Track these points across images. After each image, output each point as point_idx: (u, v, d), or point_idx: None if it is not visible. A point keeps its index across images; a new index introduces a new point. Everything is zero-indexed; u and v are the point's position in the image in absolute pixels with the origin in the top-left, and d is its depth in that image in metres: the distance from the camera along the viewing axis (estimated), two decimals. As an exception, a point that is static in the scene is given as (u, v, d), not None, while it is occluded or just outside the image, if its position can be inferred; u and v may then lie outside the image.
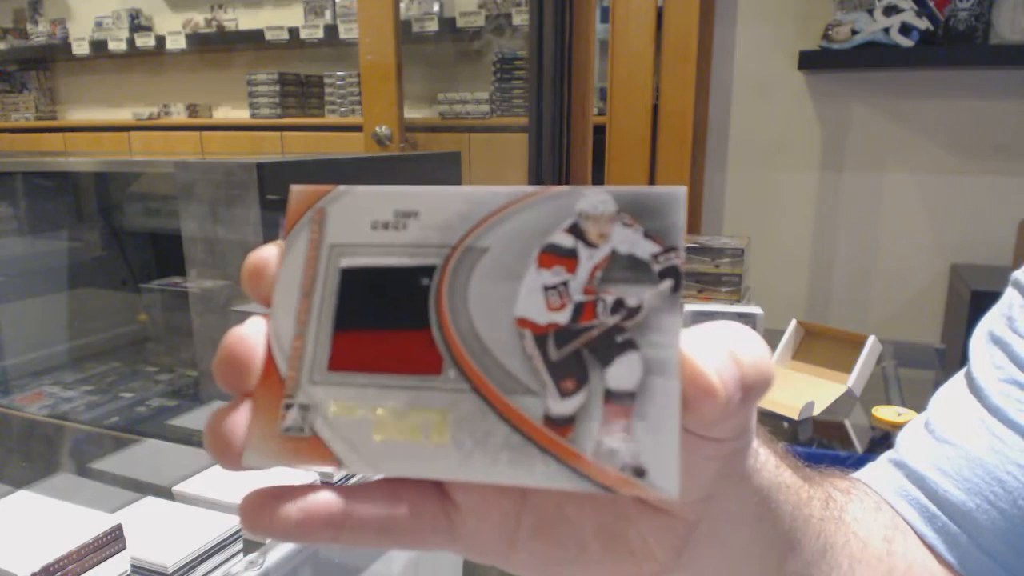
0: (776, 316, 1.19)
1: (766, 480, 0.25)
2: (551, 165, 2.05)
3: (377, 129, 2.30)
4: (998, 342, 0.42)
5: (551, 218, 0.21)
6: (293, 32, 2.94)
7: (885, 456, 0.43)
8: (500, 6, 2.59)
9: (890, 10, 1.82)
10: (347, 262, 0.22)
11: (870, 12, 1.84)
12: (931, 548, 0.39)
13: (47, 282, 1.36)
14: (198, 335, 1.06)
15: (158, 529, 0.68)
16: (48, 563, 0.57)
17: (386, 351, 0.21)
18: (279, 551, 0.69)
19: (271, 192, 0.93)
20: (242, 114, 3.16)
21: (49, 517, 0.66)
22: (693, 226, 2.12)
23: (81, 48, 3.37)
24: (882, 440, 0.95)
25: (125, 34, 3.27)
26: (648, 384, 0.19)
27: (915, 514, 0.39)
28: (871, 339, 1.06)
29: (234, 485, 0.73)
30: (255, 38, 3.04)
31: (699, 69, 2.02)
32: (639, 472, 0.18)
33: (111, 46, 3.28)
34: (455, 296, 0.21)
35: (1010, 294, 0.44)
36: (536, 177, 2.05)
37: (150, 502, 0.74)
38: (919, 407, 0.51)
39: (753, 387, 0.20)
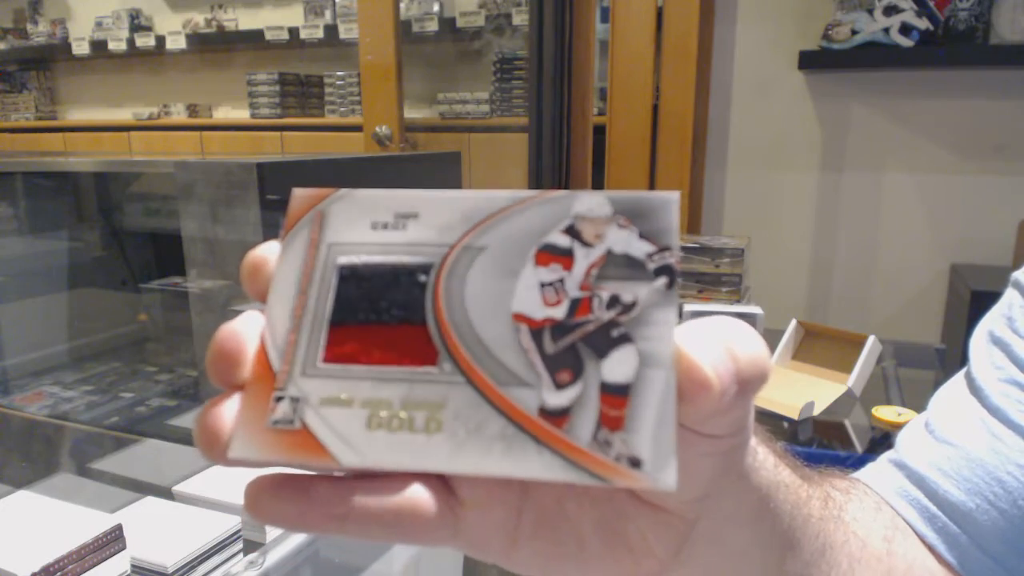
0: (776, 316, 1.19)
1: (765, 479, 0.25)
2: (551, 165, 2.05)
3: (377, 129, 2.30)
4: (998, 342, 0.42)
5: (548, 219, 0.21)
6: (293, 32, 2.94)
7: (885, 456, 0.43)
8: (500, 6, 2.59)
9: (890, 10, 1.82)
10: (345, 259, 0.22)
11: (870, 12, 1.84)
12: (931, 548, 0.39)
13: (47, 282, 1.36)
14: (198, 335, 1.06)
15: (158, 529, 0.69)
16: (48, 563, 0.57)
17: (381, 345, 0.21)
18: (279, 551, 0.69)
19: (271, 192, 0.93)
20: (242, 114, 3.16)
21: (49, 517, 0.66)
22: (693, 226, 2.13)
23: (81, 48, 3.37)
24: (882, 440, 0.95)
25: (125, 34, 3.27)
26: (644, 376, 0.19)
27: (915, 514, 0.39)
28: (871, 339, 1.06)
29: (234, 485, 0.73)
30: (255, 38, 3.04)
31: (699, 69, 2.02)
32: (635, 462, 0.18)
33: (111, 46, 3.28)
34: (452, 292, 0.21)
35: (1010, 294, 0.44)
36: (536, 177, 2.05)
37: (150, 502, 0.74)
38: (919, 407, 0.51)
39: (749, 381, 0.20)
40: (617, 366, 0.19)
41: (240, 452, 0.20)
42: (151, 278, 1.31)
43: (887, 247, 2.02)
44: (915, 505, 0.40)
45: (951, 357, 1.38)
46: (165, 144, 3.29)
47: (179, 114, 3.34)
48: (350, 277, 0.22)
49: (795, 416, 0.97)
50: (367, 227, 0.22)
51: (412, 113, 2.64)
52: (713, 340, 0.20)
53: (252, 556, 0.68)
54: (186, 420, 1.07)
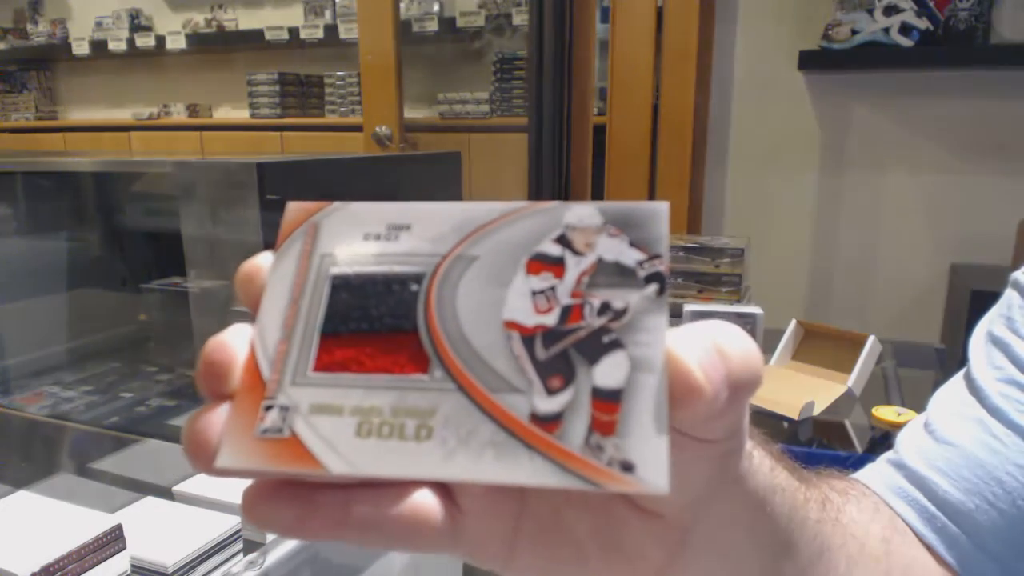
0: (776, 316, 1.19)
1: (761, 483, 0.25)
2: (551, 165, 2.05)
3: (377, 129, 2.30)
4: (997, 343, 0.42)
5: (539, 229, 0.21)
6: (293, 32, 2.95)
7: (884, 457, 0.43)
8: (500, 6, 2.60)
9: (890, 10, 1.82)
10: (338, 270, 0.22)
11: (870, 12, 1.84)
12: (930, 548, 0.39)
13: (47, 282, 1.36)
14: (198, 335, 1.06)
15: (158, 529, 0.69)
16: (48, 563, 0.57)
17: (372, 353, 0.21)
18: (279, 551, 0.69)
19: (271, 192, 0.93)
20: (242, 114, 3.16)
21: (49, 517, 0.66)
22: (693, 226, 2.13)
23: (81, 48, 3.38)
24: (882, 440, 0.95)
25: (125, 34, 3.27)
26: (635, 381, 0.19)
27: (914, 515, 0.39)
28: (871, 339, 1.06)
29: (234, 485, 0.73)
30: (255, 38, 3.04)
31: (699, 69, 2.02)
32: (627, 467, 0.18)
33: (111, 46, 3.28)
34: (443, 300, 0.21)
35: (1010, 294, 0.44)
36: (536, 177, 2.06)
37: (150, 502, 0.74)
38: (919, 407, 0.51)
39: (741, 384, 0.20)
40: (609, 372, 0.19)
41: (228, 461, 0.20)
42: (151, 278, 1.31)
43: (887, 247, 2.02)
44: (914, 505, 0.40)
45: (951, 357, 1.38)
46: (165, 144, 3.29)
47: (179, 114, 3.34)
48: (342, 287, 0.22)
49: (795, 416, 0.97)
50: (360, 238, 0.22)
51: (412, 113, 2.64)
52: (704, 344, 0.20)
53: (252, 556, 0.68)
54: (186, 420, 1.07)
